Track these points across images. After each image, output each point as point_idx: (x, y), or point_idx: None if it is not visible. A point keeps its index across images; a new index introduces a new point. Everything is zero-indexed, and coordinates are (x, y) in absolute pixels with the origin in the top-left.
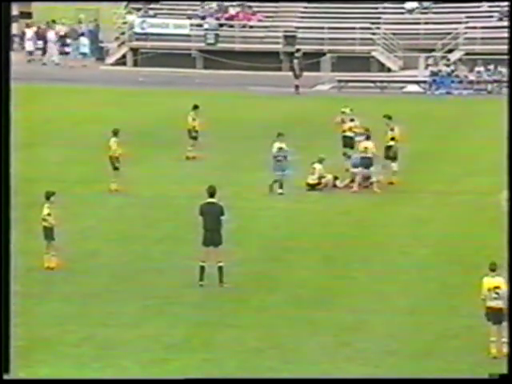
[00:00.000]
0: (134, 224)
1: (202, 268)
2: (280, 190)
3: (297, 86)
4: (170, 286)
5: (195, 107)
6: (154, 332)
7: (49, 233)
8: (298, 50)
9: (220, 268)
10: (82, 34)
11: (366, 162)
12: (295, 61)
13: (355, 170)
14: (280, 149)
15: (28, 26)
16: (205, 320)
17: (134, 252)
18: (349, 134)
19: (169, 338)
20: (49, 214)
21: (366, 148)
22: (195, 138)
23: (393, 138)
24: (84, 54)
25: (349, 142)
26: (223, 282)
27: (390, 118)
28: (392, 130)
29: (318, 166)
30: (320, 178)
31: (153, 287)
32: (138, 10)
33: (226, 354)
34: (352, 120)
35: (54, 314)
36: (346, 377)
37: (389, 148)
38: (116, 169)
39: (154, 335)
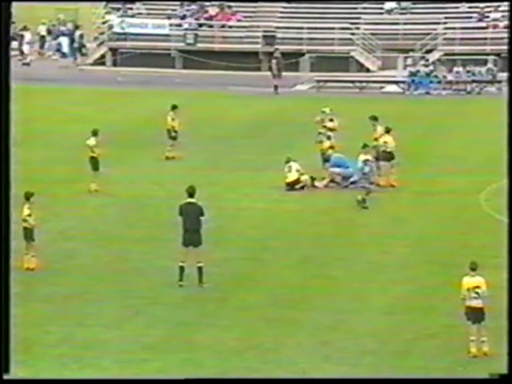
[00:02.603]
0: (114, 224)
1: (182, 268)
2: (364, 205)
3: (276, 86)
4: (149, 286)
5: (174, 107)
6: (133, 332)
7: (29, 233)
8: (276, 50)
9: (199, 268)
10: (63, 34)
11: (387, 157)
12: (273, 61)
13: (335, 169)
14: (366, 161)
15: (26, 28)
16: (184, 320)
17: (113, 252)
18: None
19: (148, 338)
20: (29, 215)
21: (385, 142)
22: (174, 138)
23: (376, 139)
24: (63, 54)
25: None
26: (203, 282)
27: (375, 119)
28: (375, 130)
29: (293, 164)
30: (299, 174)
31: (132, 287)
32: (117, 9)
33: (205, 353)
34: (331, 120)
35: (34, 315)
36: (325, 377)
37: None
38: (95, 169)
39: (133, 335)
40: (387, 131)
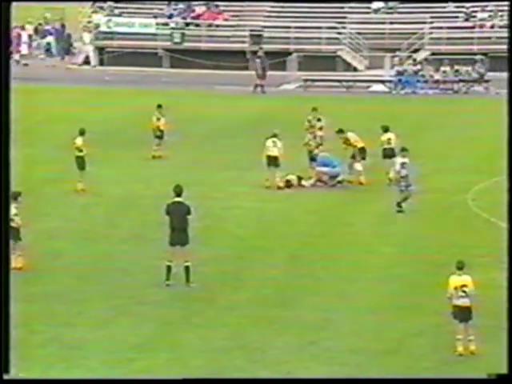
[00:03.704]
0: (101, 224)
1: (169, 267)
2: (399, 208)
3: (256, 86)
4: (136, 285)
5: (159, 106)
6: (119, 332)
7: (15, 233)
8: (259, 49)
9: (186, 267)
10: (51, 34)
11: (389, 153)
12: (257, 60)
13: (322, 169)
14: (403, 164)
15: (23, 28)
16: (171, 320)
17: (100, 252)
18: (319, 133)
19: (135, 337)
20: (16, 215)
21: (389, 139)
22: (160, 138)
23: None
24: (50, 53)
25: (319, 143)
26: (190, 282)
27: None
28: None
29: (278, 142)
30: (280, 154)
31: (119, 287)
32: (104, 9)
33: (192, 353)
34: (319, 120)
35: (20, 315)
36: (312, 376)
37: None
38: (82, 168)
39: (119, 335)
40: (386, 130)
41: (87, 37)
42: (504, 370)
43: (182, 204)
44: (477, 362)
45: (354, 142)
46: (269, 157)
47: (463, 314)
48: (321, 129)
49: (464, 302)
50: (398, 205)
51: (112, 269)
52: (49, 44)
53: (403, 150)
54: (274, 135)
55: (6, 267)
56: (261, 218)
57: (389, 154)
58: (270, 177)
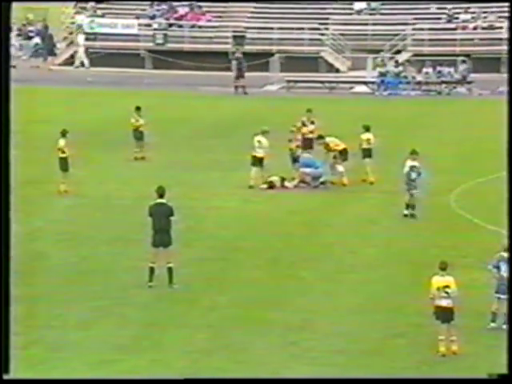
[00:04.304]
0: (83, 225)
1: (152, 269)
2: (406, 212)
3: (236, 87)
4: (119, 287)
5: (137, 108)
6: (102, 333)
7: None
8: (237, 50)
9: (169, 269)
10: (38, 34)
11: (367, 154)
12: (233, 62)
13: (305, 170)
14: (413, 167)
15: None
16: (154, 321)
17: (82, 253)
18: (310, 135)
19: (117, 338)
20: None
21: (368, 139)
22: (140, 139)
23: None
24: (39, 54)
25: (309, 144)
26: (172, 283)
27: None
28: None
29: (262, 139)
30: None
31: (102, 288)
32: (87, 9)
33: (175, 354)
34: (312, 122)
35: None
36: (295, 377)
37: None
38: (65, 170)
39: (102, 336)
40: (368, 129)
41: (81, 38)
42: (483, 370)
43: (164, 205)
44: (459, 363)
45: (334, 147)
46: (254, 157)
47: (445, 315)
48: (312, 132)
49: (446, 302)
50: (412, 208)
51: (95, 270)
52: (37, 45)
53: (413, 152)
54: (263, 132)
55: (6, 267)
56: (244, 218)
57: (367, 154)
58: (254, 176)
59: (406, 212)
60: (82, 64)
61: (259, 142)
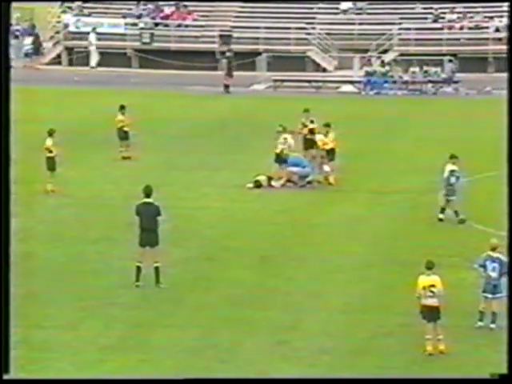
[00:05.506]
0: (70, 225)
1: (139, 268)
2: (442, 216)
3: (226, 86)
4: (106, 286)
5: (122, 107)
6: (89, 333)
7: None
8: (227, 50)
9: (156, 268)
10: (30, 34)
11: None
12: (223, 60)
13: (293, 169)
14: (452, 171)
15: None
16: (141, 320)
17: (69, 253)
18: (310, 136)
19: (105, 338)
20: None
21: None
22: (125, 139)
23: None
24: (26, 54)
25: (309, 144)
26: (160, 283)
27: (328, 125)
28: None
29: (288, 137)
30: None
31: (89, 288)
32: (73, 9)
33: (162, 354)
34: (312, 121)
35: None
36: (283, 376)
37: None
38: (52, 169)
39: (89, 336)
40: (327, 125)
41: (93, 37)
42: (471, 369)
43: (151, 205)
44: (446, 362)
45: (322, 145)
46: (277, 154)
47: (431, 314)
48: (313, 131)
49: (432, 301)
50: (456, 214)
51: (82, 270)
52: (30, 44)
53: (452, 157)
54: (290, 131)
55: (6, 267)
56: (231, 218)
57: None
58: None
59: (440, 216)
60: (99, 63)
61: (285, 139)
